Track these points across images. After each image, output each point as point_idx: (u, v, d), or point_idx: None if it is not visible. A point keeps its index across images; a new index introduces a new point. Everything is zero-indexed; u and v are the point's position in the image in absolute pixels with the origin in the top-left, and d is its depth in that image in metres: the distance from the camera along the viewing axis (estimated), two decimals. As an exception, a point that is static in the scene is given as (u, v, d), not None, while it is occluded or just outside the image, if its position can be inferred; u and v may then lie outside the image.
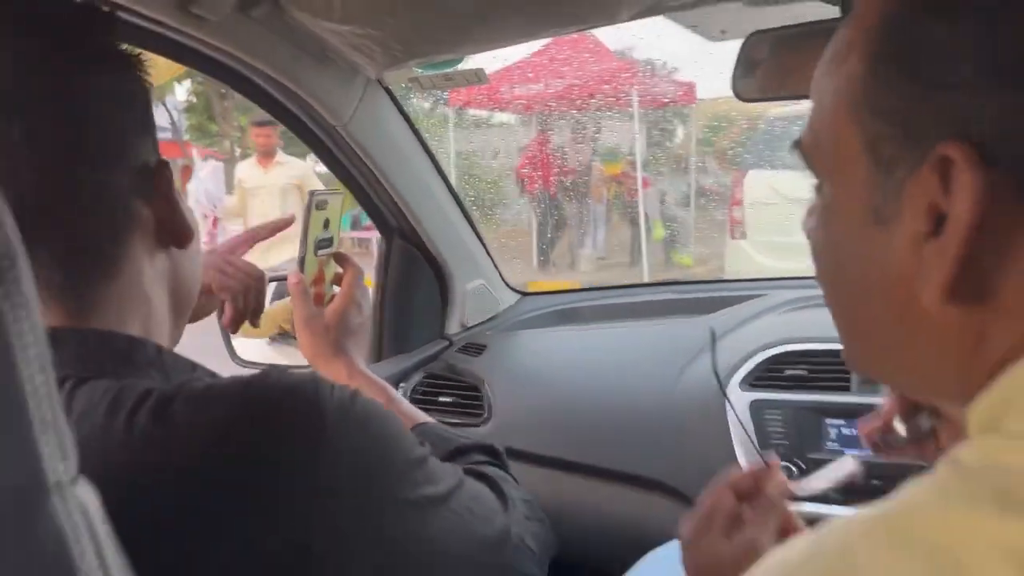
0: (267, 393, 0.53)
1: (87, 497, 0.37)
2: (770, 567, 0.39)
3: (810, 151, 0.47)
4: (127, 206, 0.59)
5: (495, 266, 1.69)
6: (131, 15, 0.86)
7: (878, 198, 0.41)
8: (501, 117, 8.51)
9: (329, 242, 0.91)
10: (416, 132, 1.34)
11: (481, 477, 0.72)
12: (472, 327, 1.63)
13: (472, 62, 1.18)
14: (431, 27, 0.95)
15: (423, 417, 0.90)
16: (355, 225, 10.09)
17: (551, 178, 7.28)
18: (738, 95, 0.98)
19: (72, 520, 0.36)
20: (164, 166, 0.62)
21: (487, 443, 0.83)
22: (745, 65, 0.97)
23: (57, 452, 0.36)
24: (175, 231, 0.63)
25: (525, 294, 1.78)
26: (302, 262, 0.87)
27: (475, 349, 1.54)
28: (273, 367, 0.57)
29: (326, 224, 0.90)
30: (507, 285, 1.74)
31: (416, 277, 1.52)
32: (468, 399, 1.45)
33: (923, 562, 0.32)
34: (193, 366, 0.61)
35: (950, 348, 0.41)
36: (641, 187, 6.96)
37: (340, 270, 0.93)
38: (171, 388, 0.53)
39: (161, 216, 0.61)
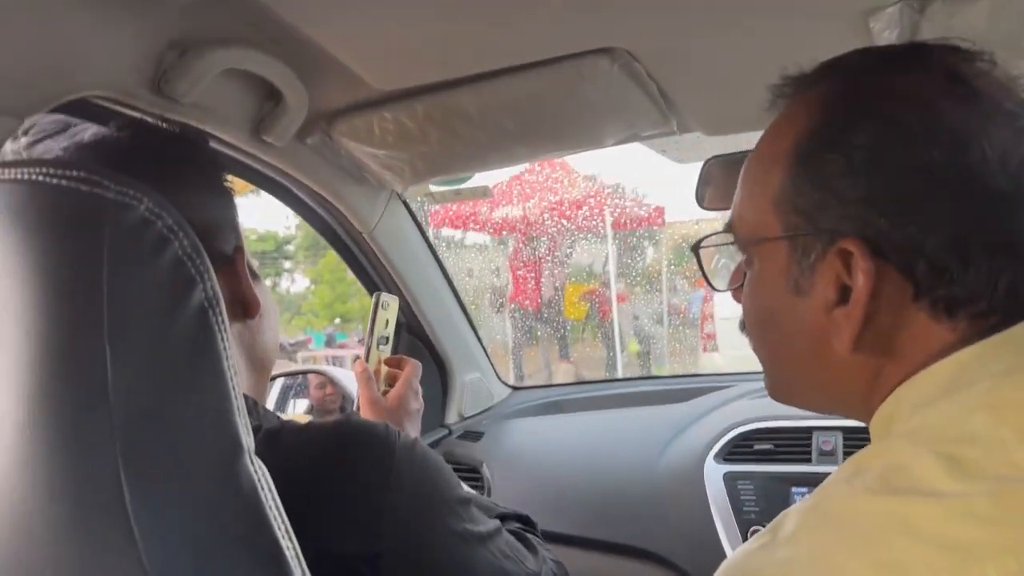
0: (352, 430, 0.68)
1: (265, 470, 0.53)
2: (735, 554, 0.50)
3: (738, 232, 0.60)
4: None
5: (490, 361, 1.85)
6: (211, 139, 1.06)
7: (796, 274, 0.53)
8: (476, 238, 8.78)
9: (387, 340, 1.07)
10: (427, 239, 1.53)
11: (516, 534, 0.83)
12: (468, 417, 1.77)
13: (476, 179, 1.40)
14: (452, 151, 1.16)
15: (466, 488, 1.02)
16: (329, 343, 10.17)
17: (526, 297, 7.47)
18: (700, 206, 1.20)
19: (259, 476, 0.51)
20: (239, 251, 0.74)
21: (523, 513, 0.94)
22: (705, 182, 1.19)
23: (246, 430, 0.51)
24: (245, 305, 0.75)
25: (516, 388, 1.94)
26: (368, 353, 1.03)
27: (473, 436, 1.68)
28: (353, 413, 0.72)
29: (386, 323, 1.06)
30: (500, 379, 1.89)
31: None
32: (468, 480, 1.57)
33: (838, 534, 0.43)
34: (279, 418, 0.75)
35: (856, 382, 0.54)
36: (615, 303, 7.19)
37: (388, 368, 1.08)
38: (275, 426, 0.68)
39: (234, 293, 0.73)
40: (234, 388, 0.51)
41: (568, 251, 7.70)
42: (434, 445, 1.67)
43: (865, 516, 0.44)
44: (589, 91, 1.02)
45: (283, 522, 0.53)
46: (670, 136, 1.20)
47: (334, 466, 0.65)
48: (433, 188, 1.38)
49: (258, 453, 0.62)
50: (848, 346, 0.51)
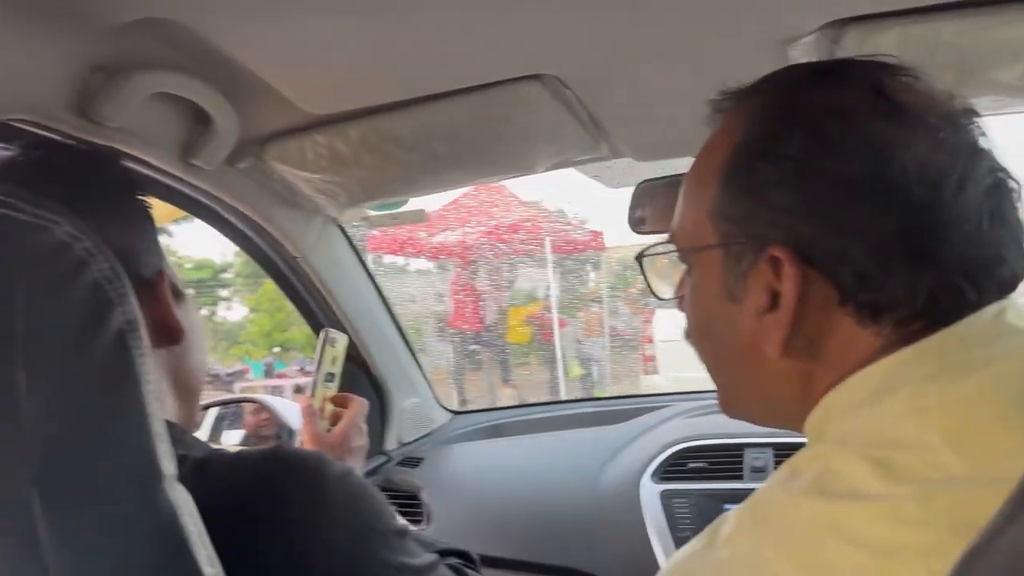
0: (282, 459, 0.67)
1: (188, 497, 0.52)
2: (675, 556, 0.52)
3: (678, 241, 0.61)
4: None
5: (429, 386, 1.84)
6: (135, 163, 1.04)
7: (730, 281, 0.55)
8: (417, 264, 8.75)
9: (333, 377, 1.06)
10: (363, 263, 1.52)
11: (455, 570, 0.81)
12: (408, 443, 1.75)
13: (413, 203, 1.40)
14: (386, 175, 1.16)
15: (411, 527, 1.00)
16: (268, 373, 9.96)
17: (468, 321, 7.47)
18: (633, 230, 1.22)
19: (180, 504, 0.50)
20: (160, 275, 0.72)
21: (463, 550, 0.92)
22: (637, 206, 1.22)
23: (167, 455, 0.51)
24: (168, 330, 0.72)
25: (456, 413, 1.93)
26: (313, 389, 1.02)
27: (413, 462, 1.66)
28: (285, 442, 0.71)
29: (333, 360, 1.05)
30: (440, 404, 1.88)
31: (358, 395, 1.65)
32: (407, 507, 1.56)
33: (771, 535, 0.45)
34: (209, 447, 0.72)
35: (789, 388, 0.55)
36: (557, 328, 7.23)
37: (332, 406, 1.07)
38: (203, 455, 0.65)
39: (155, 318, 0.70)
40: (153, 414, 0.50)
41: (510, 276, 7.73)
42: (373, 472, 1.65)
43: (797, 518, 0.45)
44: (521, 117, 1.03)
45: (207, 550, 0.52)
46: (602, 161, 1.23)
47: (263, 496, 0.64)
48: (369, 212, 1.38)
49: (184, 482, 0.61)
50: (778, 350, 0.53)
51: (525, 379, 7.63)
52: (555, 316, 7.35)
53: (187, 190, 1.14)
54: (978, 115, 0.54)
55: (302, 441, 1.02)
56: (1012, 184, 0.53)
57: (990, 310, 0.50)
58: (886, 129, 0.50)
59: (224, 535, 0.59)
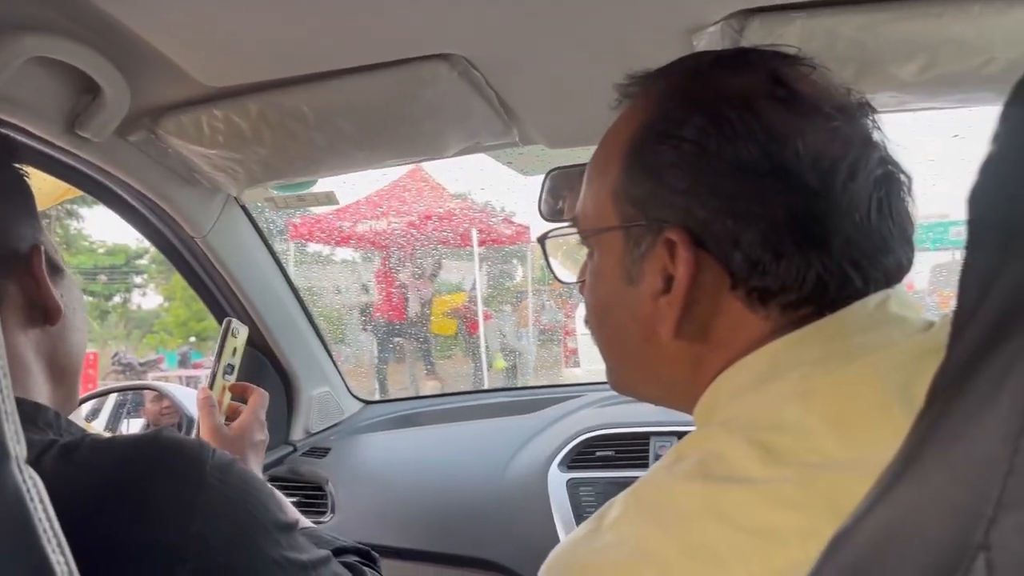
0: (159, 446, 0.62)
1: (38, 480, 0.48)
2: (563, 542, 0.51)
3: (581, 224, 0.61)
4: None
5: (340, 375, 1.79)
6: (18, 133, 0.97)
7: (628, 264, 0.56)
8: (343, 253, 8.61)
9: (232, 368, 1.02)
10: (269, 247, 1.47)
11: (351, 567, 0.79)
12: (316, 433, 1.71)
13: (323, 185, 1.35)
14: (288, 153, 1.12)
15: (307, 522, 0.96)
16: (183, 362, 9.64)
17: (393, 312, 7.39)
18: (543, 217, 1.21)
19: (28, 487, 0.46)
20: (35, 250, 0.68)
21: (364, 547, 0.90)
22: (547, 193, 1.21)
23: (14, 436, 0.47)
24: (44, 310, 0.69)
25: (368, 402, 1.89)
26: (212, 380, 0.98)
27: (319, 452, 1.62)
28: (166, 428, 0.65)
29: (234, 351, 1.02)
30: (351, 393, 1.84)
31: (263, 383, 1.58)
32: (312, 498, 1.52)
33: (655, 519, 0.46)
34: (84, 432, 0.67)
35: (681, 371, 0.56)
36: (482, 320, 7.23)
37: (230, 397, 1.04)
38: (74, 440, 0.62)
39: (29, 294, 0.67)
40: (3, 391, 0.46)
41: (436, 267, 7.68)
42: (278, 463, 1.61)
43: (681, 501, 0.46)
44: (429, 97, 1.01)
45: (55, 536, 0.48)
46: (515, 148, 1.21)
47: (130, 483, 0.60)
48: (273, 192, 1.33)
49: (49, 467, 0.57)
50: (670, 333, 0.54)
51: (449, 371, 7.61)
52: (480, 308, 7.34)
53: (76, 163, 1.07)
54: (873, 109, 0.55)
55: (197, 433, 0.98)
56: (902, 177, 0.54)
57: (875, 298, 0.52)
58: (782, 116, 0.51)
59: (85, 523, 0.55)
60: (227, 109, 1.04)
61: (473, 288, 7.61)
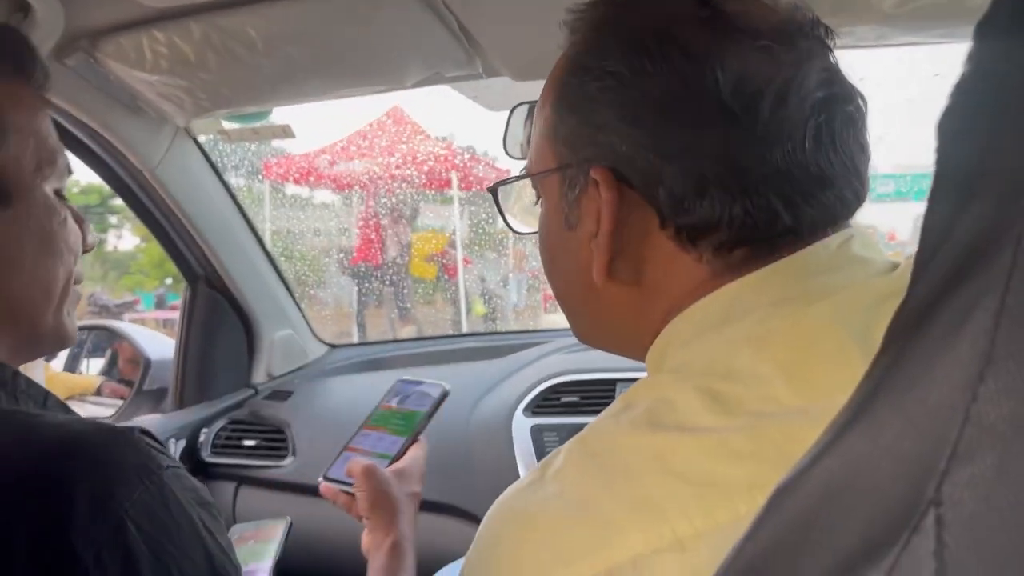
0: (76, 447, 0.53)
1: None
2: (507, 491, 0.48)
3: (528, 170, 0.58)
4: None
5: (304, 318, 1.75)
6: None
7: (565, 208, 0.53)
8: (322, 196, 8.49)
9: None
10: (224, 183, 1.41)
11: None
12: (278, 376, 1.68)
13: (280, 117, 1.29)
14: (236, 81, 1.05)
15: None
16: (160, 304, 9.56)
17: (372, 257, 7.33)
18: (507, 154, 1.16)
19: None
20: None
21: None
22: (514, 130, 1.16)
23: None
24: None
25: (334, 346, 1.86)
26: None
27: (281, 395, 1.59)
28: (91, 423, 0.55)
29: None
30: (316, 337, 1.80)
31: (222, 325, 1.55)
32: (272, 441, 1.49)
33: (598, 469, 0.44)
34: (46, 395, 0.62)
35: (624, 317, 0.54)
36: (461, 265, 7.19)
37: None
38: (3, 414, 0.55)
39: None
40: None
41: (415, 211, 7.60)
42: (238, 405, 1.57)
43: (625, 451, 0.43)
44: (383, 21, 0.95)
45: None
46: (478, 80, 1.15)
47: (38, 494, 0.50)
48: (226, 125, 1.26)
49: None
50: (601, 275, 0.51)
51: (428, 316, 7.59)
52: (459, 253, 7.29)
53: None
54: (827, 29, 0.51)
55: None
56: (851, 105, 0.50)
57: (836, 238, 0.49)
58: (703, 40, 0.48)
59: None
60: (169, 31, 0.97)
61: (453, 233, 7.54)
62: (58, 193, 0.65)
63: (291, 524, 1.06)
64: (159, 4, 0.94)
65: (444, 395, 0.92)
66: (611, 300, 0.54)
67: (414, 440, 0.89)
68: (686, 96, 0.47)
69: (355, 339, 7.02)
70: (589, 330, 0.60)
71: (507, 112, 1.19)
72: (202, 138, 1.33)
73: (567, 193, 0.53)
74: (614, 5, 0.53)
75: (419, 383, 0.95)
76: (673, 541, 0.39)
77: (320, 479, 0.90)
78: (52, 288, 0.64)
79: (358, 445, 0.90)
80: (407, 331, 7.22)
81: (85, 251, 0.68)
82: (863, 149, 0.50)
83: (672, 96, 0.47)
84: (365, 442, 0.91)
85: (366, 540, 0.81)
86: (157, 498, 0.52)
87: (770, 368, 0.43)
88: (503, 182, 0.66)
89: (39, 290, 0.64)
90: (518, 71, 1.13)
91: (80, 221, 0.68)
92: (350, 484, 0.85)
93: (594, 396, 1.36)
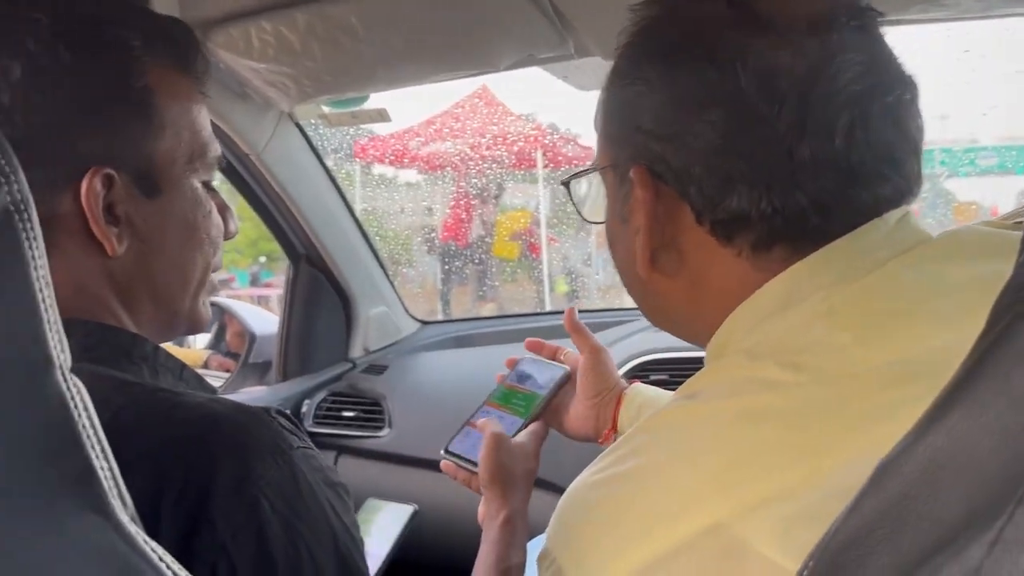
0: (208, 438, 0.54)
1: (82, 388, 0.48)
2: (579, 478, 0.51)
3: (592, 167, 0.62)
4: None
5: (397, 295, 1.81)
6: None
7: (619, 203, 0.56)
8: (407, 175, 8.61)
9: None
10: (324, 166, 1.47)
11: None
12: (374, 351, 1.75)
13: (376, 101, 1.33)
14: (338, 67, 1.10)
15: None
16: (254, 282, 9.94)
17: (457, 236, 7.41)
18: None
19: (72, 394, 0.47)
20: (94, 173, 0.59)
21: None
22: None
23: (59, 344, 0.47)
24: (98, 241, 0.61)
25: (425, 323, 1.91)
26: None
27: (377, 369, 1.65)
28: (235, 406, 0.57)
29: None
30: (408, 314, 1.86)
31: (322, 302, 1.63)
32: (370, 413, 1.56)
33: (679, 440, 0.46)
34: (182, 367, 0.65)
35: (672, 305, 0.57)
36: (545, 243, 7.20)
37: None
38: (148, 392, 0.57)
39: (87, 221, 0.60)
40: (45, 300, 0.47)
41: (499, 189, 7.63)
42: (338, 378, 1.64)
43: (707, 420, 0.45)
44: (478, 6, 0.97)
45: (99, 443, 0.49)
46: (569, 60, 1.16)
47: (175, 479, 0.52)
48: (326, 109, 1.32)
49: (123, 417, 0.53)
50: (644, 268, 0.54)
51: (511, 294, 7.63)
52: (544, 231, 7.29)
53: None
54: (874, 15, 0.50)
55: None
56: (891, 96, 0.48)
57: (894, 214, 0.49)
58: (731, 41, 0.48)
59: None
60: (275, 21, 1.02)
61: (538, 211, 7.55)
62: (206, 184, 0.68)
63: (416, 512, 1.10)
64: (266, -5, 0.98)
65: (566, 377, 0.94)
66: (657, 290, 0.56)
67: (533, 421, 0.90)
68: (711, 98, 0.48)
69: (439, 316, 7.15)
70: (650, 315, 0.63)
71: (597, 92, 1.19)
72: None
73: (618, 189, 0.56)
74: (657, 6, 0.54)
75: (543, 364, 0.97)
76: (758, 501, 0.40)
77: (442, 453, 0.93)
78: (191, 276, 0.67)
79: (479, 421, 0.93)
80: (491, 308, 7.29)
81: (226, 239, 0.71)
82: (906, 139, 0.49)
83: (697, 98, 0.49)
84: (486, 419, 0.93)
85: (482, 510, 0.84)
86: (289, 477, 0.54)
87: (846, 336, 0.44)
88: (573, 175, 0.68)
89: (179, 277, 0.67)
90: (609, 50, 1.12)
91: (224, 210, 0.70)
92: (472, 462, 0.87)
93: (683, 375, 1.35)
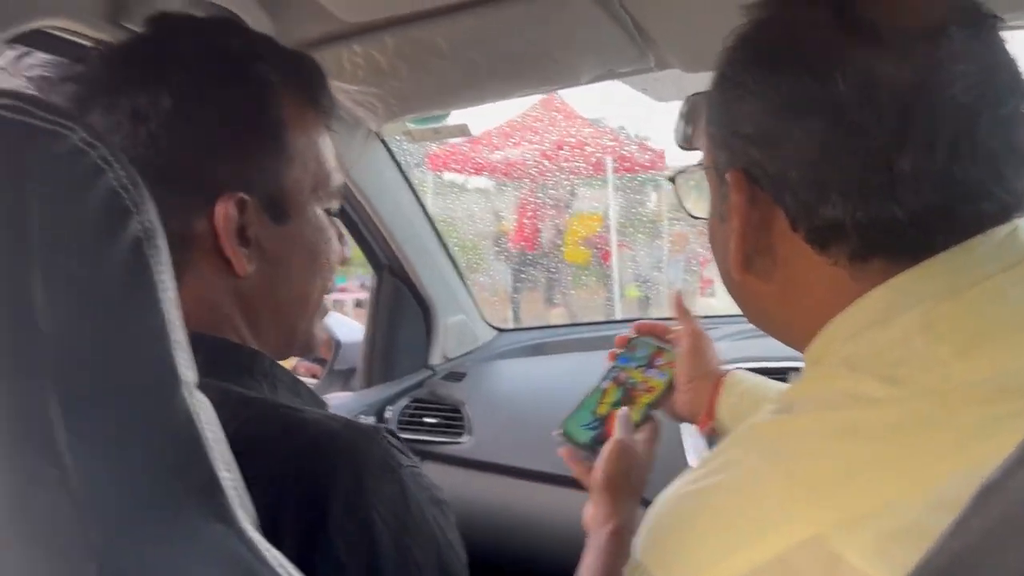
0: (326, 452, 0.57)
1: (207, 404, 0.52)
2: (669, 491, 0.52)
3: (697, 165, 0.63)
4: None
5: (474, 303, 1.85)
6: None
7: (719, 202, 0.57)
8: (477, 182, 8.68)
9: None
10: (407, 180, 1.52)
11: None
12: (453, 359, 1.78)
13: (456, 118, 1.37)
14: (424, 87, 1.14)
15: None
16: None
17: (527, 241, 7.43)
18: (680, 147, 1.17)
19: (197, 410, 0.51)
20: (228, 199, 0.63)
21: None
22: (685, 121, 1.17)
23: (186, 362, 0.51)
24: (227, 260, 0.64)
25: (502, 330, 1.94)
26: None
27: (456, 376, 1.69)
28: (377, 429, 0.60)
29: None
30: (485, 321, 1.89)
31: (403, 310, 1.68)
32: (450, 420, 1.59)
33: (774, 452, 0.46)
34: (296, 382, 0.68)
35: (767, 308, 0.58)
36: (615, 248, 7.16)
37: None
38: (293, 409, 0.60)
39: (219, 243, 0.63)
40: (172, 322, 0.51)
41: (570, 196, 7.63)
42: (419, 385, 1.69)
43: (801, 434, 0.46)
44: (562, 24, 0.99)
45: (224, 454, 0.53)
46: (649, 73, 1.17)
47: (299, 488, 0.55)
48: (410, 126, 1.36)
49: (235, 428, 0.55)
50: (737, 270, 0.55)
51: (581, 300, 7.61)
52: (614, 237, 7.25)
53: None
54: (993, 19, 0.48)
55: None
56: (1005, 108, 0.46)
57: (1002, 229, 0.48)
58: (832, 49, 0.48)
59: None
60: (365, 44, 1.06)
61: (607, 216, 7.51)
62: (328, 212, 0.72)
63: None
64: (357, 19, 1.03)
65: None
66: (751, 292, 0.57)
67: (656, 408, 0.91)
68: (809, 106, 0.48)
69: (510, 323, 7.16)
70: (748, 314, 0.63)
71: (676, 103, 1.20)
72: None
73: (718, 189, 0.57)
74: (766, 14, 0.54)
75: (657, 346, 0.96)
76: (856, 516, 0.40)
77: (558, 432, 0.93)
78: (310, 298, 0.71)
79: (602, 407, 0.93)
80: (562, 315, 7.28)
81: (341, 264, 0.74)
82: (1015, 152, 0.47)
83: (796, 105, 0.49)
84: (614, 411, 0.91)
85: (589, 513, 0.82)
86: (399, 494, 0.56)
87: (946, 350, 0.44)
88: (681, 171, 0.70)
89: (300, 299, 0.70)
90: (689, 63, 1.14)
91: (340, 236, 0.74)
92: (584, 448, 0.87)
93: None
